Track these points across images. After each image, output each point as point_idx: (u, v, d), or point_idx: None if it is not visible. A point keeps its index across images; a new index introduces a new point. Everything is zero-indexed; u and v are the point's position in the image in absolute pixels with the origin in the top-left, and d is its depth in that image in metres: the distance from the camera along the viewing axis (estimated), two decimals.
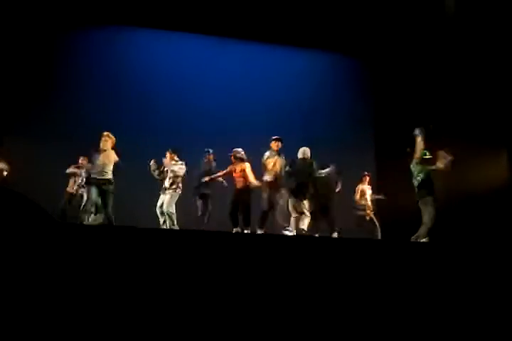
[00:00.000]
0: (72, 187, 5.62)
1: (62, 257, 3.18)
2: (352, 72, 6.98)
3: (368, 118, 6.87)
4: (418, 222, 5.40)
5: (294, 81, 6.69)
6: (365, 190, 5.93)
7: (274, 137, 5.30)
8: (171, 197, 5.09)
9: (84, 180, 5.09)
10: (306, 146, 5.59)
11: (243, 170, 5.09)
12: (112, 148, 4.75)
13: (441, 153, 4.75)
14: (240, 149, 5.22)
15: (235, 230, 5.01)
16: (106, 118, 6.04)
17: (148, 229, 4.13)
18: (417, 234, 4.72)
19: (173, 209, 5.06)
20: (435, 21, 5.79)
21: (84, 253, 3.27)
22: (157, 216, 5.16)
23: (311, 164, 5.28)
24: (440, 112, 5.96)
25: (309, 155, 5.37)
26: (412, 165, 4.75)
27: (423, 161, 4.70)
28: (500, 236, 4.92)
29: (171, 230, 4.51)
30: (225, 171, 5.32)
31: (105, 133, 4.74)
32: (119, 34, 6.38)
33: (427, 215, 4.70)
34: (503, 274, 3.89)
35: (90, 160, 4.99)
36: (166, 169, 5.21)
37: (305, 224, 5.02)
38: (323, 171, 5.36)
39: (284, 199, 5.10)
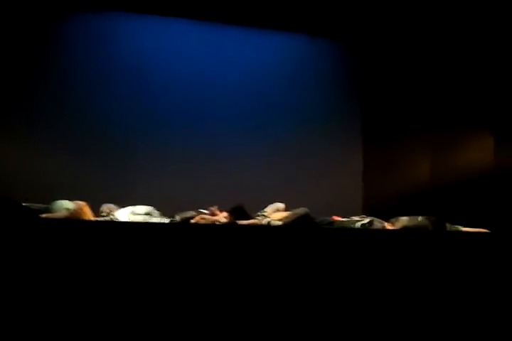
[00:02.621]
0: None
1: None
2: (335, 54, 6.84)
3: (353, 101, 6.77)
4: (406, 206, 5.43)
5: (275, 65, 6.56)
6: None
7: None
8: None
9: None
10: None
11: None
12: None
13: None
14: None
15: None
16: (97, 102, 5.95)
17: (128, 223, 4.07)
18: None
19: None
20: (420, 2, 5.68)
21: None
22: None
23: None
24: (425, 94, 5.90)
25: None
26: None
27: None
28: (486, 220, 4.94)
29: (157, 224, 4.38)
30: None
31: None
32: (110, 19, 6.18)
33: None
34: (490, 260, 3.93)
35: None
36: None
37: None
38: None
39: None
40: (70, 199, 4.48)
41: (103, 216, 4.68)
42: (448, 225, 4.56)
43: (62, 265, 3.17)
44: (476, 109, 5.40)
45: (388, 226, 4.49)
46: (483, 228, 4.58)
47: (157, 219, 4.76)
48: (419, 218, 4.46)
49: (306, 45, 6.74)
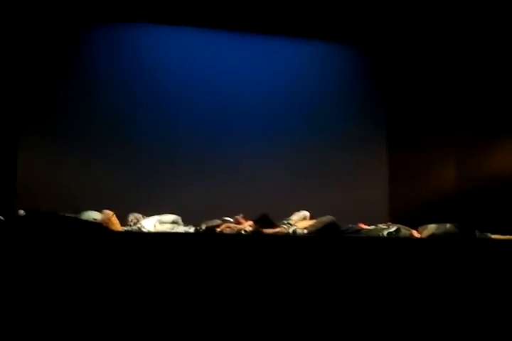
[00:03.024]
0: None
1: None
2: (355, 60, 6.80)
3: (378, 108, 6.69)
4: (433, 213, 5.36)
5: (297, 73, 6.55)
6: None
7: None
8: None
9: None
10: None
11: None
12: None
13: None
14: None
15: None
16: (123, 112, 6.04)
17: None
18: None
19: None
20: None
21: None
22: None
23: None
24: (451, 99, 5.83)
25: None
26: None
27: None
28: None
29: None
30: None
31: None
32: (133, 31, 6.26)
33: None
34: None
35: None
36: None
37: None
38: None
39: None
40: (97, 209, 4.55)
41: (130, 225, 4.73)
42: (477, 232, 4.50)
43: (92, 274, 3.21)
44: (503, 113, 5.33)
45: (415, 233, 4.44)
46: None
47: (183, 227, 4.79)
48: (448, 225, 4.40)
49: (329, 52, 6.71)
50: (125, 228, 4.55)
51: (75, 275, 3.16)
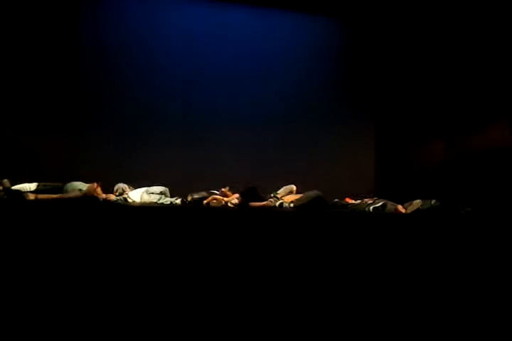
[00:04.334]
0: None
1: None
2: (345, 35, 6.74)
3: (366, 84, 6.65)
4: (419, 189, 5.40)
5: (280, 45, 6.49)
6: None
7: None
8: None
9: None
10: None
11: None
12: None
13: None
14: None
15: None
16: (107, 84, 5.94)
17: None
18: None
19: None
20: None
21: None
22: None
23: None
24: (439, 77, 5.81)
25: None
26: None
27: None
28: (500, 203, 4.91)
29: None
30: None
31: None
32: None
33: None
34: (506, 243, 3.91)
35: None
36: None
37: None
38: None
39: None
40: (84, 181, 4.52)
41: (116, 195, 4.71)
42: (460, 208, 4.55)
43: (77, 243, 3.20)
44: (490, 92, 5.30)
45: (401, 209, 4.47)
46: (497, 211, 4.55)
47: (169, 199, 4.79)
48: (432, 201, 4.44)
49: (318, 26, 6.62)
50: (111, 198, 4.53)
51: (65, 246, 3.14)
